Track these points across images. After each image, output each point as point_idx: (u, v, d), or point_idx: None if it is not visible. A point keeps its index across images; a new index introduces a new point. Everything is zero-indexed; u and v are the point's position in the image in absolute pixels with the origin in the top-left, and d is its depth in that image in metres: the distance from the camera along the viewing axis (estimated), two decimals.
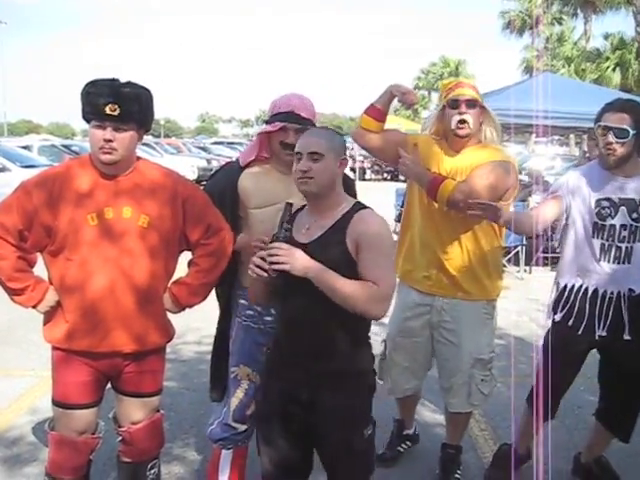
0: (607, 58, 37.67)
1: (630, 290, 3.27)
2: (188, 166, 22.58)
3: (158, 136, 63.00)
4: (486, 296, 3.50)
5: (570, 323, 3.33)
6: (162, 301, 2.89)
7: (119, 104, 2.62)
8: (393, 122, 27.87)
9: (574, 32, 44.42)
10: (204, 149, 33.49)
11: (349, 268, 2.42)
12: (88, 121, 2.71)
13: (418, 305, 3.52)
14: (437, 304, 3.47)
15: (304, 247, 2.44)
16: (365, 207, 2.56)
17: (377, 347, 5.37)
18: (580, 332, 3.31)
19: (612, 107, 3.21)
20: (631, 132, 3.12)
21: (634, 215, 3.24)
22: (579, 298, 3.33)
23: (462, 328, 3.44)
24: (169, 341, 2.99)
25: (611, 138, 3.14)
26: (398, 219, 11.74)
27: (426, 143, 3.50)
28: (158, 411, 3.03)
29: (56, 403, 2.85)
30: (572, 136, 21.10)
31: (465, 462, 3.85)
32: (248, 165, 3.15)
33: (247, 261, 2.60)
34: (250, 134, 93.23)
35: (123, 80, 2.74)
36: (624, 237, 3.25)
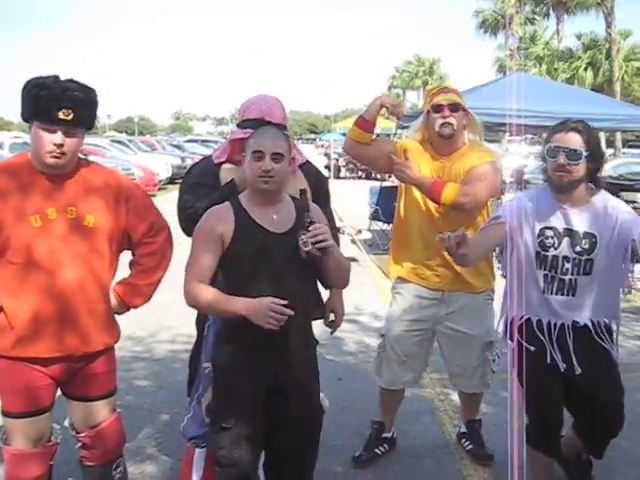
0: (579, 58, 38.12)
1: (574, 322, 3.14)
2: (162, 164, 22.39)
3: (132, 134, 62.54)
4: (488, 285, 3.72)
5: (532, 348, 3.13)
6: (108, 302, 2.83)
7: (72, 109, 2.56)
8: None
9: (546, 32, 44.92)
10: (178, 147, 33.26)
11: None
12: (28, 120, 2.63)
13: (425, 300, 3.68)
14: (445, 298, 3.65)
15: (292, 234, 2.62)
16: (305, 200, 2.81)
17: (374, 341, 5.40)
18: (548, 361, 3.15)
19: (563, 127, 3.06)
20: (584, 153, 2.98)
21: (577, 248, 3.08)
22: (528, 330, 3.15)
23: (470, 317, 3.65)
24: (117, 341, 2.94)
25: (562, 160, 2.98)
26: (372, 217, 11.77)
27: (415, 149, 3.63)
28: (115, 409, 2.96)
29: (7, 414, 2.74)
30: (545, 135, 21.28)
31: (437, 457, 3.89)
32: (221, 163, 3.20)
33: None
34: (225, 132, 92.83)
35: (67, 78, 2.64)
36: (567, 269, 3.10)
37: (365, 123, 3.55)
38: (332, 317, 3.36)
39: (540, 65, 39.68)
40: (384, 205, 11.49)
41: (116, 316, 2.93)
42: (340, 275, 2.76)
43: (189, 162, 27.36)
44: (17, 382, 2.70)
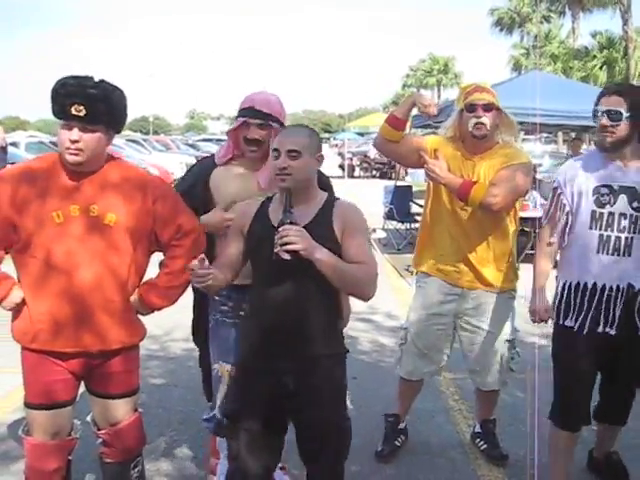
0: (594, 56, 37.86)
1: (630, 285, 3.14)
2: (177, 163, 22.43)
3: (147, 133, 62.74)
4: (509, 286, 3.74)
5: (575, 326, 3.20)
6: (129, 300, 2.83)
7: (85, 105, 2.58)
8: (382, 119, 27.90)
9: (561, 30, 44.69)
10: (193, 146, 33.40)
11: (336, 251, 2.54)
12: (58, 119, 2.68)
13: (446, 295, 3.72)
14: (464, 294, 3.68)
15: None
16: (337, 197, 2.74)
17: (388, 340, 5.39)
18: (586, 333, 3.18)
19: (608, 90, 3.18)
20: (624, 114, 3.04)
21: (635, 204, 3.10)
22: (579, 297, 3.20)
23: (490, 315, 3.68)
24: (142, 340, 2.95)
25: (605, 121, 3.07)
26: (387, 216, 11.77)
27: (446, 147, 3.64)
28: (136, 409, 2.99)
29: (32, 405, 2.79)
30: (560, 134, 21.17)
31: (452, 457, 3.89)
32: (226, 163, 3.18)
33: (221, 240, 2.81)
34: None
35: (97, 79, 2.68)
36: (624, 227, 3.10)
37: (396, 121, 3.56)
38: None
39: (555, 63, 39.46)
40: (398, 204, 11.49)
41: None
42: (340, 282, 2.53)
43: None
44: (37, 374, 2.76)
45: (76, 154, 2.63)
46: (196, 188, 3.15)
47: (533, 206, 9.92)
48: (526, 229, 9.11)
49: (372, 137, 29.12)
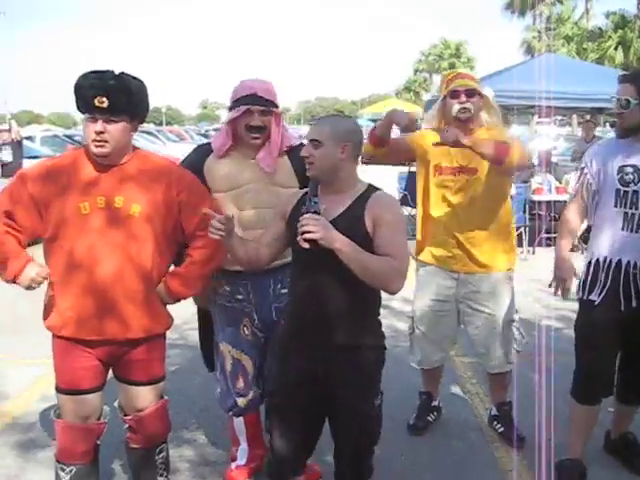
0: (609, 37, 37.46)
1: None
2: None
3: (160, 124, 62.84)
4: (505, 268, 3.78)
5: (597, 300, 3.30)
6: (153, 290, 2.90)
7: (107, 96, 2.65)
8: (396, 104, 27.77)
9: (575, 11, 44.19)
10: (206, 136, 33.35)
11: (366, 245, 2.52)
12: (83, 113, 2.76)
13: (444, 280, 3.79)
14: (462, 278, 3.74)
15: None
16: (378, 189, 2.71)
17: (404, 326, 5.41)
18: (608, 307, 3.26)
19: (620, 79, 3.30)
20: (632, 101, 3.16)
21: None
22: (604, 272, 3.29)
23: (489, 296, 3.74)
24: (167, 329, 3.01)
25: (616, 108, 3.23)
26: (401, 202, 11.75)
27: (431, 139, 3.67)
28: (162, 397, 3.07)
29: (61, 390, 2.90)
30: (574, 116, 21.02)
31: (470, 440, 3.92)
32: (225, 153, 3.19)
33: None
34: None
35: (117, 72, 2.75)
36: None
37: (376, 139, 3.63)
38: None
39: (569, 45, 39.09)
40: (412, 190, 11.44)
41: None
42: (362, 274, 2.48)
43: None
44: (66, 361, 2.85)
45: (102, 146, 2.70)
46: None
47: (548, 189, 9.90)
48: (541, 213, 9.11)
49: None
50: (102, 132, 2.69)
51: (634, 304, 3.24)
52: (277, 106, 3.12)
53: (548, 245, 9.40)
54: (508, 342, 3.81)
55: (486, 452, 3.85)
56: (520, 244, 9.34)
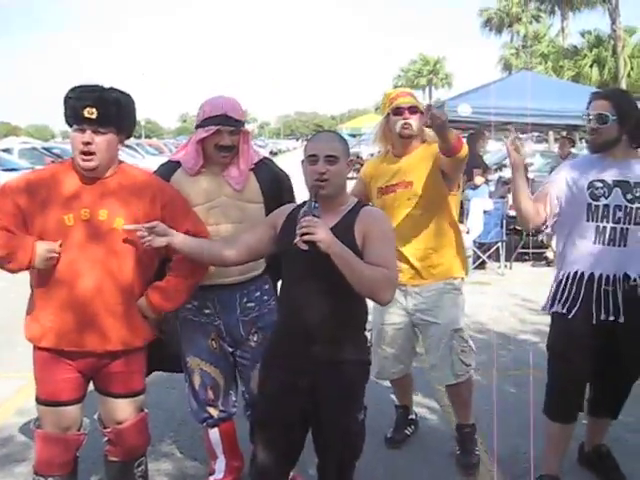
0: (585, 55, 38.02)
1: (625, 275, 3.24)
2: None
3: (139, 137, 62.60)
4: (450, 275, 3.78)
5: (571, 315, 3.31)
6: (133, 303, 2.90)
7: (97, 107, 2.68)
8: (374, 120, 27.90)
9: (551, 29, 44.86)
10: None
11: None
12: (70, 126, 2.78)
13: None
14: (409, 290, 3.75)
15: None
16: (367, 204, 2.79)
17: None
18: (581, 321, 3.27)
19: (596, 95, 3.36)
20: (611, 117, 3.21)
21: (629, 196, 3.23)
22: (576, 286, 3.31)
23: (435, 306, 3.73)
24: (147, 342, 3.01)
25: (593, 124, 3.26)
26: None
27: (374, 167, 3.89)
28: (142, 410, 3.07)
29: (41, 401, 2.89)
30: (551, 133, 21.26)
31: (447, 452, 3.95)
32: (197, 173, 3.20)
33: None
34: None
35: (105, 86, 2.80)
36: (619, 218, 3.23)
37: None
38: None
39: (545, 62, 39.63)
40: None
41: None
42: (356, 282, 2.49)
43: None
44: (46, 373, 2.85)
45: (89, 159, 2.72)
46: None
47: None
48: (518, 228, 9.20)
49: (364, 138, 29.22)
50: (89, 143, 2.71)
51: (606, 317, 3.25)
52: (244, 124, 3.18)
53: (525, 260, 9.50)
54: (455, 353, 3.75)
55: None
56: (497, 259, 9.43)
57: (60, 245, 2.75)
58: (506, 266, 9.45)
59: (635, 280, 3.25)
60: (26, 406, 4.41)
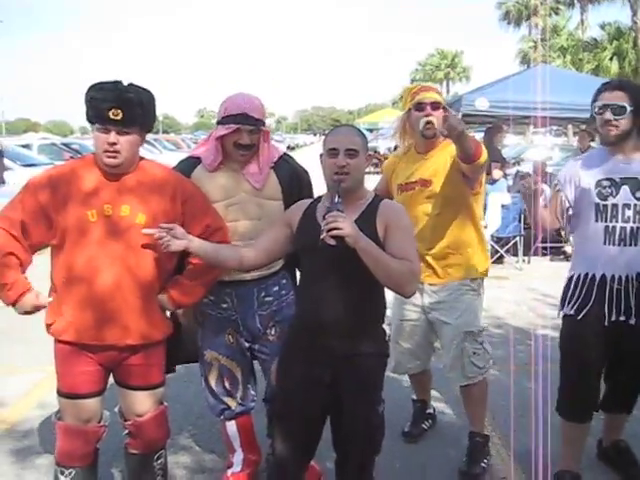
0: (604, 48, 37.65)
1: (638, 275, 3.20)
2: None
3: (157, 132, 62.85)
4: (468, 275, 3.72)
5: (581, 316, 3.27)
6: (153, 298, 2.94)
7: (122, 109, 2.71)
8: (391, 114, 27.81)
9: (570, 22, 44.42)
10: None
11: None
12: (92, 123, 2.80)
13: None
14: (426, 289, 3.73)
15: None
16: (384, 198, 2.80)
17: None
18: (593, 322, 3.23)
19: (609, 86, 3.25)
20: (628, 108, 3.13)
21: (638, 194, 3.17)
22: (586, 288, 3.27)
23: (450, 307, 3.70)
24: (166, 336, 3.04)
25: (609, 115, 3.15)
26: None
27: (398, 164, 3.84)
28: (162, 403, 3.10)
29: (62, 394, 2.94)
30: (570, 126, 21.11)
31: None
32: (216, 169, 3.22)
33: None
34: None
35: (126, 83, 2.81)
36: (628, 217, 3.17)
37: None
38: None
39: (564, 56, 39.27)
40: None
41: None
42: (382, 275, 2.52)
43: None
44: (67, 366, 2.89)
45: (114, 157, 2.75)
46: None
47: (543, 199, 9.94)
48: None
49: (381, 133, 29.13)
50: (115, 143, 2.74)
51: (618, 318, 3.21)
52: (265, 124, 3.18)
53: (544, 255, 9.43)
54: (465, 354, 3.69)
55: None
56: (515, 253, 9.39)
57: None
58: (524, 260, 9.41)
59: None
60: (46, 399, 4.47)
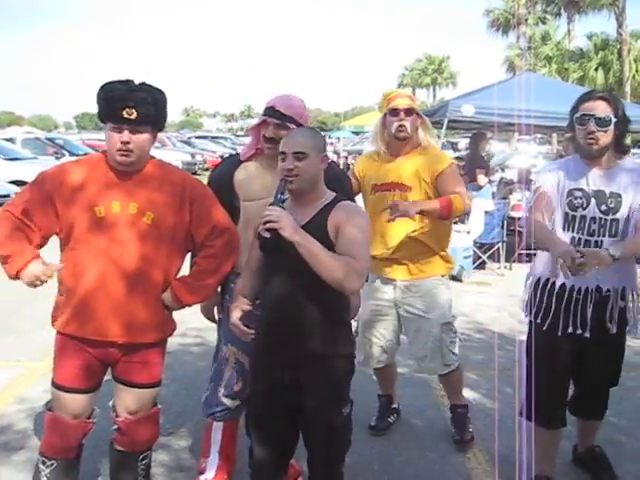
0: (590, 58, 37.94)
1: (598, 288, 3.19)
2: (172, 160, 22.24)
3: None
4: (439, 272, 3.98)
5: (544, 325, 3.28)
6: (158, 298, 2.94)
7: (136, 108, 2.72)
8: (378, 118, 27.88)
9: (557, 32, 44.71)
10: (188, 143, 33.35)
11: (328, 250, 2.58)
12: (104, 122, 2.82)
13: (382, 287, 3.99)
14: (399, 285, 3.93)
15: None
16: (344, 199, 2.78)
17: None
18: (557, 332, 3.24)
19: (591, 96, 3.21)
20: (612, 119, 3.10)
21: (603, 207, 3.16)
22: (547, 295, 3.26)
23: (425, 300, 3.91)
24: (170, 335, 3.06)
25: (593, 127, 3.09)
26: None
27: (369, 166, 4.01)
28: (156, 404, 3.10)
29: (54, 385, 2.94)
30: (554, 135, 21.29)
31: (442, 451, 3.96)
32: (249, 159, 3.30)
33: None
34: (234, 128, 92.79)
35: (137, 82, 2.83)
36: (593, 230, 3.16)
37: None
38: None
39: (550, 65, 39.53)
40: None
41: None
42: (320, 270, 2.53)
43: (199, 158, 27.46)
44: (65, 359, 2.89)
45: (127, 155, 2.77)
46: (222, 184, 3.27)
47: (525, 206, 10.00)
48: (520, 229, 9.20)
49: (367, 136, 29.20)
50: (128, 142, 2.75)
51: (573, 331, 3.21)
52: (296, 121, 3.15)
53: (527, 262, 9.45)
54: (445, 344, 3.93)
55: (458, 462, 3.88)
56: (497, 259, 9.45)
57: (60, 268, 2.83)
58: (506, 267, 9.47)
59: (608, 292, 3.19)
60: (25, 394, 4.44)
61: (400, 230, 3.82)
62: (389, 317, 4.00)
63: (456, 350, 4.00)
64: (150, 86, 2.84)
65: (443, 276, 4.00)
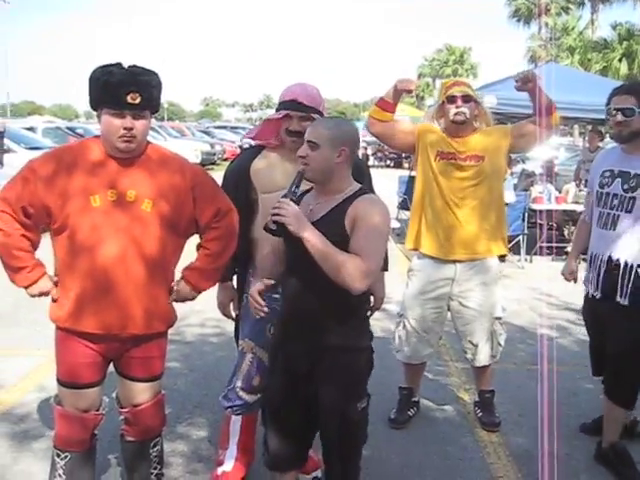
0: (614, 48, 37.47)
1: (610, 257, 3.54)
2: (192, 150, 22.51)
3: (161, 119, 62.77)
4: (497, 252, 4.05)
5: (588, 292, 3.74)
6: (163, 287, 2.89)
7: (140, 93, 2.64)
8: (398, 108, 27.71)
9: (579, 22, 44.19)
10: (207, 133, 33.38)
11: (342, 246, 2.53)
12: (96, 108, 2.72)
13: (438, 279, 4.01)
14: (457, 272, 3.97)
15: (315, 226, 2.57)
16: (368, 192, 2.70)
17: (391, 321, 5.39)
18: (589, 297, 3.72)
19: (619, 90, 3.60)
20: (636, 110, 3.45)
21: (625, 186, 3.52)
22: (590, 266, 3.68)
23: (479, 294, 3.98)
24: (169, 327, 3.01)
25: (620, 117, 3.48)
26: (401, 206, 11.79)
27: (430, 129, 4.05)
28: (160, 392, 3.07)
29: (60, 382, 2.90)
30: (576, 126, 21.07)
31: (462, 445, 3.94)
32: (264, 146, 3.28)
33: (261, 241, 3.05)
34: (253, 118, 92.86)
35: (129, 64, 2.73)
36: (614, 205, 3.56)
37: (384, 103, 3.94)
38: (371, 300, 3.39)
39: (572, 56, 39.11)
40: (412, 195, 11.49)
41: None
42: (326, 268, 2.50)
43: (218, 148, 27.48)
44: (67, 354, 2.85)
45: (130, 141, 2.68)
46: (240, 175, 3.26)
47: (547, 199, 9.91)
48: (540, 222, 9.12)
49: None
50: (132, 128, 2.66)
51: (597, 291, 3.62)
52: (319, 112, 3.14)
53: (548, 254, 9.37)
54: (494, 337, 4.07)
55: (478, 457, 3.85)
56: (518, 252, 9.36)
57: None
58: (527, 260, 9.39)
59: (617, 261, 3.51)
60: (45, 383, 4.47)
61: (460, 211, 3.89)
62: (440, 310, 4.06)
63: (502, 342, 4.12)
64: (146, 69, 2.75)
65: (500, 257, 4.09)
